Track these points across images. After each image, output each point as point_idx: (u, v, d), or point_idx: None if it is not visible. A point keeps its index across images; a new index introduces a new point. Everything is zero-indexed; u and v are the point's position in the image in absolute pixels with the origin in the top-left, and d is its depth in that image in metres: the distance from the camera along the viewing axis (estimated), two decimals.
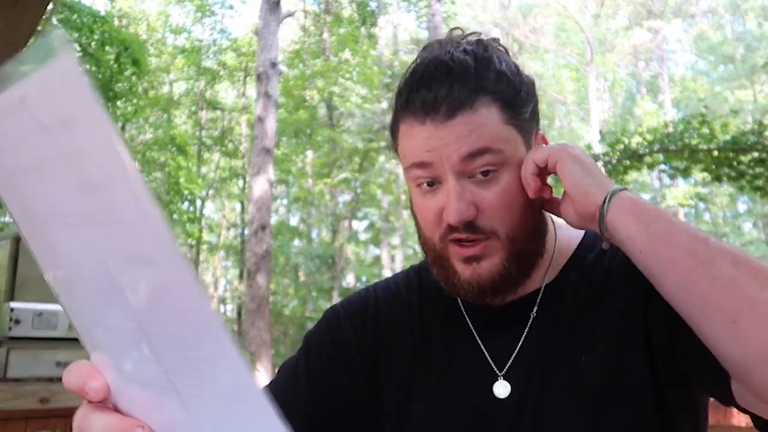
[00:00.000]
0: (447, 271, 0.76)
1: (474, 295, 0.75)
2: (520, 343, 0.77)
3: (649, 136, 7.78)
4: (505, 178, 0.73)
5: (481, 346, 0.79)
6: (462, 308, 0.83)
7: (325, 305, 13.22)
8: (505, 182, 0.73)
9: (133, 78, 8.88)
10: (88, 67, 8.07)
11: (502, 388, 0.75)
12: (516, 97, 0.74)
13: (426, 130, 0.72)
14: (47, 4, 2.32)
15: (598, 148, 8.70)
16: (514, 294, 0.78)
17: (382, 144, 13.09)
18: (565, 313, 0.77)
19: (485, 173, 0.72)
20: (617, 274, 0.76)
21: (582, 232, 0.84)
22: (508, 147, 0.73)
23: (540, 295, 0.79)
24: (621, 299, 0.74)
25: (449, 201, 0.72)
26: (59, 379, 2.28)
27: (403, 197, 13.02)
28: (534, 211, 0.76)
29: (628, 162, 8.00)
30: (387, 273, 13.72)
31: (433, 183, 0.74)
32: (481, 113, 0.71)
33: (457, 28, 0.80)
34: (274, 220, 14.12)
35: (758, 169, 7.15)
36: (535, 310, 0.78)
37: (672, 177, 10.65)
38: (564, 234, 0.84)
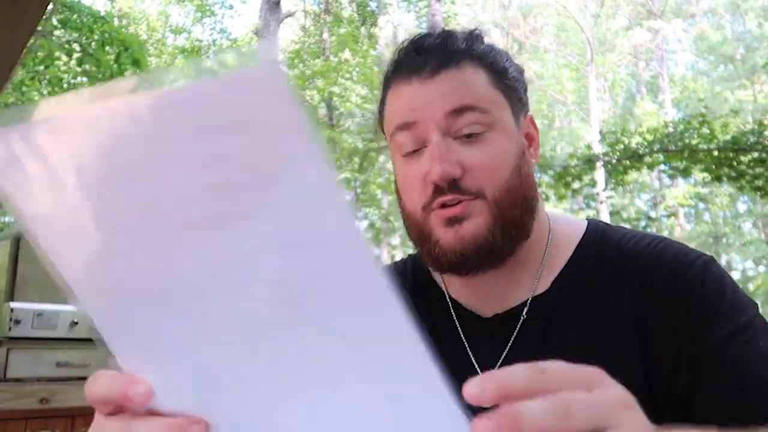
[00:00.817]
0: (429, 243, 0.72)
1: (456, 262, 0.70)
2: (506, 350, 0.75)
3: (649, 136, 7.80)
4: (492, 141, 0.71)
5: (468, 350, 0.77)
6: (452, 312, 0.80)
7: None
8: (492, 145, 0.71)
9: None
10: (87, 67, 8.07)
11: None
12: (504, 66, 0.74)
13: (412, 88, 0.72)
14: (47, 4, 2.32)
15: (598, 148, 8.70)
16: (498, 279, 0.74)
17: (383, 144, 13.08)
18: (558, 324, 0.74)
19: (471, 135, 0.70)
20: (620, 287, 0.72)
21: (581, 230, 0.78)
22: (495, 109, 0.72)
23: (529, 304, 0.75)
24: (621, 324, 0.70)
25: (433, 158, 0.69)
26: (59, 379, 2.27)
27: None
28: (522, 179, 0.72)
29: (628, 162, 8.01)
30: None
31: (418, 149, 0.72)
32: (467, 71, 0.71)
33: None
34: None
35: (758, 169, 7.15)
36: (524, 314, 0.75)
37: (672, 177, 10.65)
38: (560, 229, 0.79)
